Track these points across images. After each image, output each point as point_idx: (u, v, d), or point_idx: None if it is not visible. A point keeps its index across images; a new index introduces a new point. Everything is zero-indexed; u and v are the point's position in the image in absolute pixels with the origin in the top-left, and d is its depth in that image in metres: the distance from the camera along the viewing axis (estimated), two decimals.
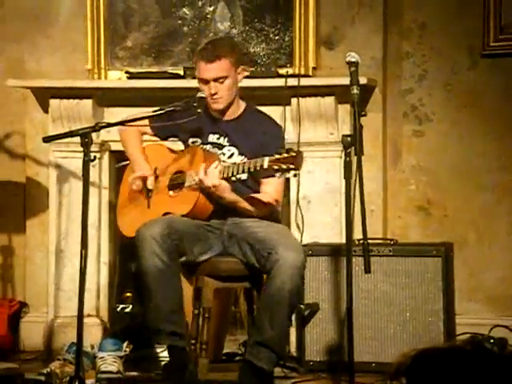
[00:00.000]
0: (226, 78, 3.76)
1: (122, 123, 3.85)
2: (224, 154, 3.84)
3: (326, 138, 4.57)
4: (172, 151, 4.00)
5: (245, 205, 3.73)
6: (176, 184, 3.86)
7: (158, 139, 4.04)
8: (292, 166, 3.40)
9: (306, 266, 3.64)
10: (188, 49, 4.77)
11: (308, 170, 4.57)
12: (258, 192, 3.79)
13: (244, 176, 3.75)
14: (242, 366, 3.69)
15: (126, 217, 4.00)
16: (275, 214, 3.87)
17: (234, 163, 3.64)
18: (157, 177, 3.95)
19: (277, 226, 3.80)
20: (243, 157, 3.81)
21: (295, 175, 3.46)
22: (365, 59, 4.34)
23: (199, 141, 3.88)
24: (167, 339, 3.71)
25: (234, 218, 3.79)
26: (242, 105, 3.90)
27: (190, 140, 3.90)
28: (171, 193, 3.88)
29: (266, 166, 3.45)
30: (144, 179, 3.91)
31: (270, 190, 3.76)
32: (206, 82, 3.78)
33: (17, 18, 4.87)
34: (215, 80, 3.76)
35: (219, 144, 3.86)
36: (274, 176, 3.58)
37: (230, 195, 3.70)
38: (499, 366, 1.75)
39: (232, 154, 3.83)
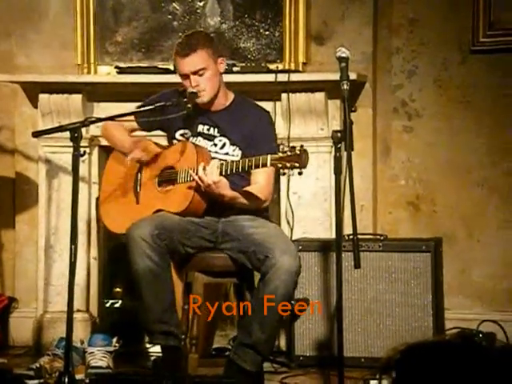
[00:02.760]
0: (204, 69, 3.73)
1: (111, 118, 3.83)
2: (216, 145, 3.82)
3: (316, 134, 4.57)
4: (159, 146, 3.97)
5: (242, 200, 3.71)
6: (167, 180, 3.84)
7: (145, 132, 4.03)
8: (297, 165, 3.37)
9: (300, 271, 3.62)
10: None
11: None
12: (249, 181, 3.77)
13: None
14: (227, 364, 3.68)
15: (113, 212, 3.95)
16: (265, 208, 3.85)
17: (233, 161, 3.59)
18: (140, 172, 3.91)
19: (271, 227, 3.78)
20: (235, 147, 3.80)
21: (300, 173, 3.42)
22: (355, 54, 4.35)
23: (189, 132, 3.86)
24: (160, 339, 3.70)
25: (227, 217, 3.78)
26: (231, 95, 3.88)
27: (180, 132, 3.87)
28: (160, 188, 3.85)
29: (268, 164, 3.42)
30: (141, 159, 3.83)
31: (261, 180, 3.73)
32: (186, 76, 3.75)
33: (6, 12, 4.85)
34: (194, 73, 3.73)
35: (209, 135, 3.84)
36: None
37: (229, 192, 3.67)
38: (488, 359, 1.75)
39: (224, 145, 3.82)
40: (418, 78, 4.72)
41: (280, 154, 3.39)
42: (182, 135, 3.86)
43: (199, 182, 3.62)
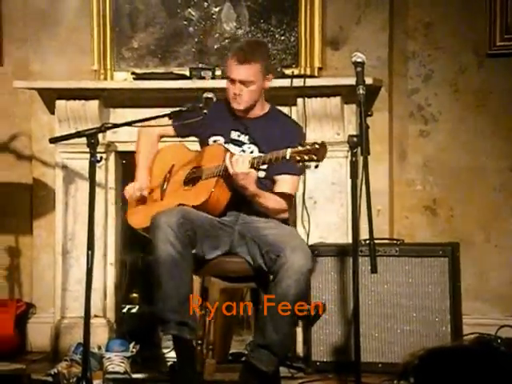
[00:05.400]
0: (252, 83, 3.78)
1: (128, 124, 3.84)
2: (244, 151, 3.84)
3: (332, 138, 4.56)
4: (191, 150, 4.00)
5: (262, 200, 3.72)
6: (192, 178, 3.87)
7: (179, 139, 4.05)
8: (314, 157, 3.42)
9: (312, 270, 3.62)
10: (194, 49, 4.78)
11: (314, 170, 4.57)
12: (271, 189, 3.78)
13: (261, 174, 3.76)
14: (244, 367, 3.68)
15: (136, 208, 3.97)
16: (285, 219, 3.85)
17: (256, 156, 3.64)
18: (170, 173, 3.94)
19: (287, 228, 3.79)
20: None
21: (316, 166, 3.47)
22: (371, 59, 4.34)
23: (221, 139, 3.88)
24: (174, 329, 3.65)
25: (245, 216, 3.79)
26: (267, 106, 3.92)
27: (212, 138, 3.90)
28: (186, 187, 3.88)
29: (288, 156, 3.46)
30: (140, 190, 3.90)
31: (285, 189, 3.76)
32: (232, 81, 3.80)
33: (22, 19, 4.87)
34: (242, 82, 3.78)
35: (239, 141, 3.87)
36: (289, 174, 3.69)
37: (253, 186, 3.68)
38: (506, 365, 1.74)
39: (252, 152, 3.84)
40: (434, 82, 4.71)
41: (299, 148, 3.43)
42: (214, 141, 3.89)
43: (229, 166, 3.62)
